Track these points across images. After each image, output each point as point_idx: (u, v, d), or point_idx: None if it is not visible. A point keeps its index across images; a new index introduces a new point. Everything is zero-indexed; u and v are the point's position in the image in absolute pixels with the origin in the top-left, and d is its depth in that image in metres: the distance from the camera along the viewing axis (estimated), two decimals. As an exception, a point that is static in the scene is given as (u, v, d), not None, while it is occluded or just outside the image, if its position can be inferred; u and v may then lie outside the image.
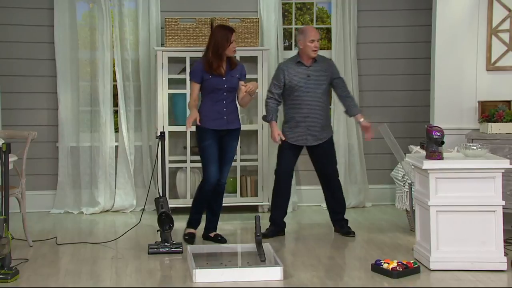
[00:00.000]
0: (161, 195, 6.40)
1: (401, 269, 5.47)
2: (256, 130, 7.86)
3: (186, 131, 7.64)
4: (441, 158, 5.62)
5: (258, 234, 5.86)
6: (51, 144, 7.93)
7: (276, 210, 6.82)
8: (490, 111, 7.04)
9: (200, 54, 7.68)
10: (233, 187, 7.84)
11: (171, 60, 7.71)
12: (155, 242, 6.26)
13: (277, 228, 6.80)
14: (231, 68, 6.43)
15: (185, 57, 7.68)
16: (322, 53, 7.35)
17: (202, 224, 6.66)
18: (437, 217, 5.58)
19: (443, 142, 5.63)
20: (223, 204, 6.68)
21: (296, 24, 8.29)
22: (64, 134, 7.84)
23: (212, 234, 6.59)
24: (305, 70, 6.70)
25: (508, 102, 7.15)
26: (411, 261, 5.61)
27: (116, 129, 7.99)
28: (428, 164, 5.58)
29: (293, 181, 8.01)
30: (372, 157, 8.23)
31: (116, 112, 7.99)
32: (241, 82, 6.46)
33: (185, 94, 7.68)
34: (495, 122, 6.94)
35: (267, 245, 5.96)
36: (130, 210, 7.92)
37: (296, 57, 6.77)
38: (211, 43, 6.38)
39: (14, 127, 7.66)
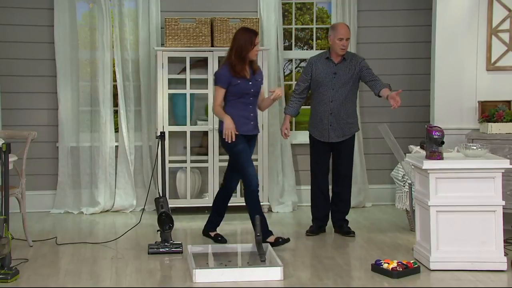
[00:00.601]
0: (161, 195, 6.39)
1: (401, 269, 5.47)
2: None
3: (186, 131, 7.66)
4: (441, 158, 5.62)
5: (258, 234, 5.86)
6: (51, 144, 7.93)
7: (315, 208, 6.84)
8: (490, 111, 7.04)
9: (200, 54, 7.71)
10: (233, 187, 7.84)
11: (171, 60, 7.70)
12: (155, 242, 6.26)
13: (319, 224, 6.83)
14: (254, 73, 6.37)
15: (185, 57, 7.67)
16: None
17: (204, 221, 6.78)
18: (437, 217, 5.57)
19: (443, 142, 5.62)
20: (223, 204, 6.73)
21: (296, 24, 8.29)
22: (64, 134, 7.83)
23: (212, 234, 6.61)
24: (332, 66, 6.66)
25: (508, 102, 7.15)
26: (411, 261, 5.60)
27: (116, 129, 7.98)
28: (428, 164, 5.58)
29: (293, 181, 8.03)
30: (372, 157, 8.23)
31: (116, 112, 7.99)
32: (269, 88, 6.38)
33: (185, 94, 7.68)
34: (495, 122, 6.94)
35: (267, 245, 5.96)
36: (130, 210, 7.91)
37: (326, 53, 6.73)
38: (234, 45, 6.26)
39: (14, 127, 7.65)
